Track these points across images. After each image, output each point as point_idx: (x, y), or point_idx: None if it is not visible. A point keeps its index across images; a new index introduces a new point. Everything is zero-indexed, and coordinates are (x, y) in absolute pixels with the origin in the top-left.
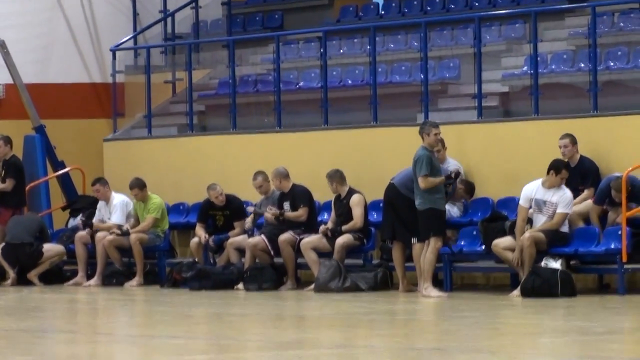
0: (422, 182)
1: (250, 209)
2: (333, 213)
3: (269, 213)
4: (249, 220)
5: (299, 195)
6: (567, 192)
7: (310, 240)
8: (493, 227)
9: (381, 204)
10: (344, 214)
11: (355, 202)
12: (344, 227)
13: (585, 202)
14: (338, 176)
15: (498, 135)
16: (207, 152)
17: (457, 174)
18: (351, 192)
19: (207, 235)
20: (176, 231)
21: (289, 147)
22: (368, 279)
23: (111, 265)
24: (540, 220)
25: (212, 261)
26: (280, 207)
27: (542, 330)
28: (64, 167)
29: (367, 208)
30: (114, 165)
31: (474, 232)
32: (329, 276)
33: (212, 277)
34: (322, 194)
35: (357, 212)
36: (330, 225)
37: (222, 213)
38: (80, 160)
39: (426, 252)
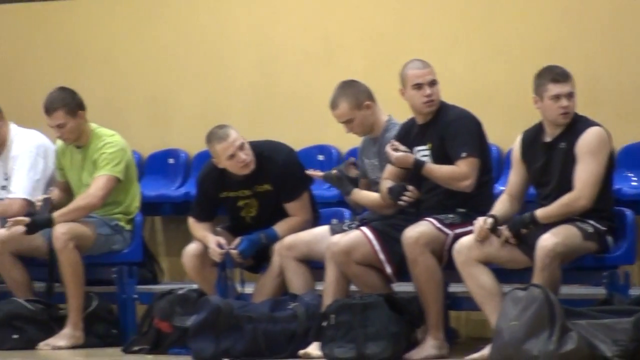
0: None
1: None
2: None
3: (395, 158)
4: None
5: (457, 128)
6: None
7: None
8: None
9: None
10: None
11: (587, 144)
12: (544, 211)
13: None
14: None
15: None
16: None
17: None
18: (584, 122)
19: (222, 241)
20: (160, 218)
21: None
22: (620, 332)
23: (4, 298)
24: None
25: (239, 290)
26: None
27: None
28: None
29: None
30: (8, 56)
31: None
32: (525, 325)
33: (247, 330)
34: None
35: (590, 171)
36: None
37: (254, 191)
38: None
39: None
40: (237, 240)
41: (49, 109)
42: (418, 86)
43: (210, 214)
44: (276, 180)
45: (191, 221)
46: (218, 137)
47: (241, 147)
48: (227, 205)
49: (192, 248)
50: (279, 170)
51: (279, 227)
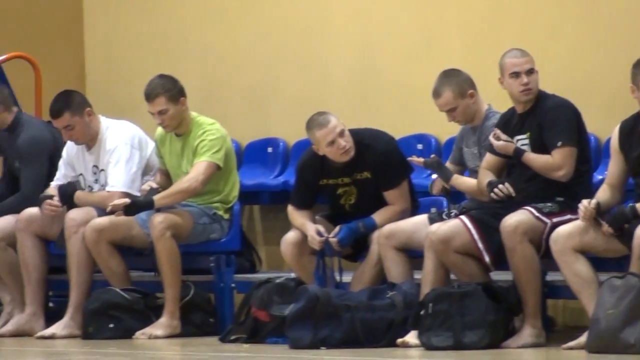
0: None
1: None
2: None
3: (497, 146)
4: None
5: (555, 117)
6: None
7: (573, 228)
8: None
9: None
10: None
11: None
12: None
13: None
14: None
15: None
16: None
17: None
18: None
19: (321, 229)
20: (258, 207)
21: None
22: None
23: (101, 287)
24: None
25: (337, 279)
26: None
27: None
28: None
29: None
30: (107, 46)
31: None
32: (622, 314)
33: (345, 319)
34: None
35: None
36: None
37: (353, 178)
38: (30, 39)
39: None
40: (337, 228)
41: (151, 95)
42: (515, 75)
43: (310, 201)
44: (376, 168)
45: (290, 209)
46: (318, 124)
47: (341, 134)
48: (326, 193)
49: (290, 236)
50: (379, 158)
51: (377, 216)
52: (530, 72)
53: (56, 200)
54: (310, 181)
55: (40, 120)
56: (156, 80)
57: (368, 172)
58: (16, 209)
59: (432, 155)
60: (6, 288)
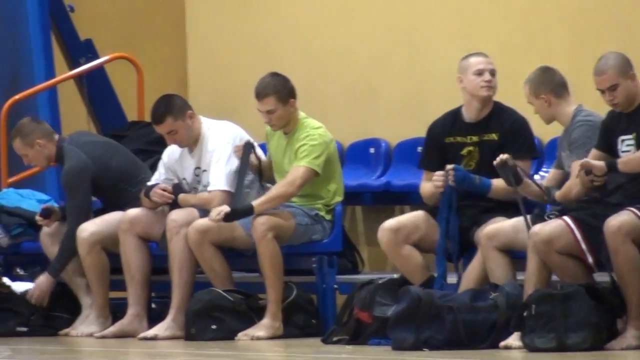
0: None
1: None
2: None
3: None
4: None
5: None
6: None
7: None
8: None
9: None
10: None
11: None
12: None
13: None
14: None
15: None
16: None
17: None
18: None
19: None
20: (360, 208)
21: None
22: None
23: (203, 288)
24: None
25: (458, 277)
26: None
27: None
28: (92, 54)
29: None
30: (209, 47)
31: None
32: None
33: (448, 320)
34: None
35: None
36: None
37: (481, 138)
38: (133, 40)
39: None
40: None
41: (261, 94)
42: (601, 91)
43: (437, 162)
44: (505, 132)
45: (422, 183)
46: (477, 53)
47: (492, 72)
48: (451, 154)
49: (388, 223)
50: (511, 124)
51: (495, 181)
52: (613, 88)
53: (169, 191)
54: (438, 138)
55: (77, 148)
56: (268, 79)
57: (496, 134)
58: (70, 249)
59: None
60: (90, 292)
